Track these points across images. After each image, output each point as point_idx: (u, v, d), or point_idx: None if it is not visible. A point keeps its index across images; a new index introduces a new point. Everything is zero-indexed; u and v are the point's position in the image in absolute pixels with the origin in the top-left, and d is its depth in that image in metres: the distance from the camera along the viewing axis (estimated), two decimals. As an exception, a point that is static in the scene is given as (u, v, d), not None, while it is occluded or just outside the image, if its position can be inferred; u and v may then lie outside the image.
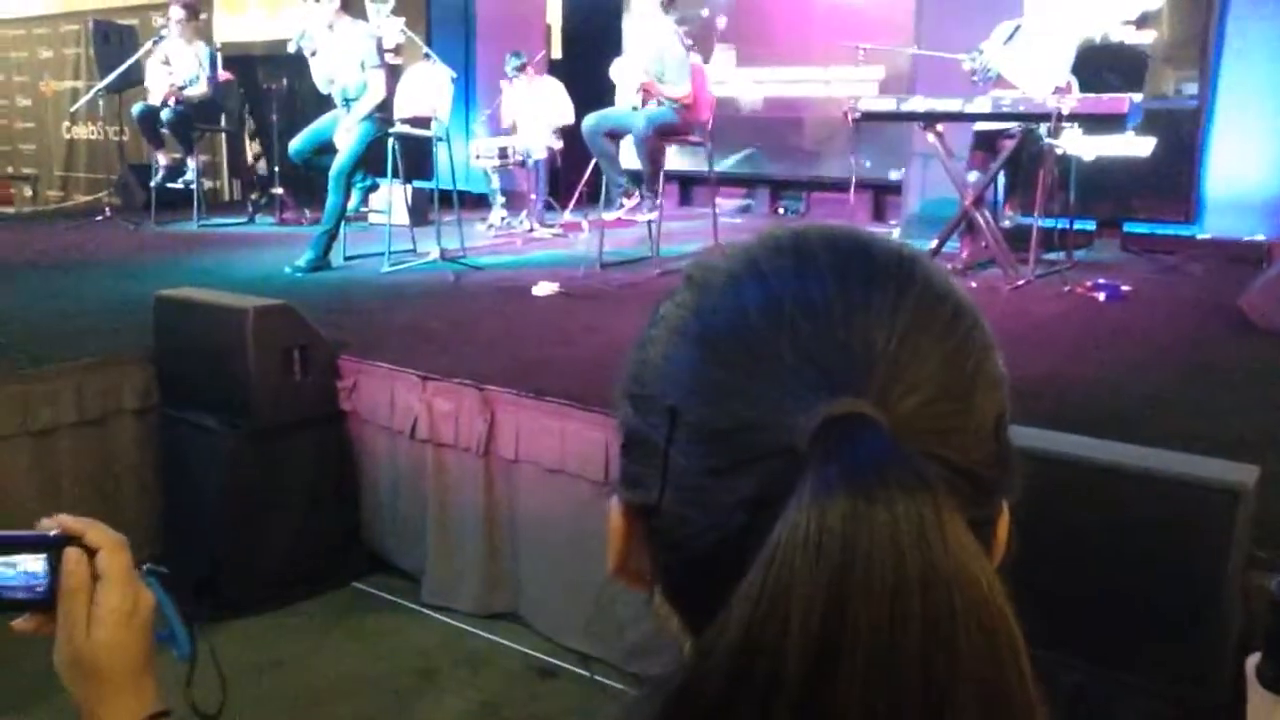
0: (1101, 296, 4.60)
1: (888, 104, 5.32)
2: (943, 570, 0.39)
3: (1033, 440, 1.92)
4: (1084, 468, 1.87)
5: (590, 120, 5.57)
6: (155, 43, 7.37)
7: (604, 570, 0.54)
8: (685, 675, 0.42)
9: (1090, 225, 6.05)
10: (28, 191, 11.14)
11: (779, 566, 0.39)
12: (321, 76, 5.50)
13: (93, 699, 0.82)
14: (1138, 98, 4.95)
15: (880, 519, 0.39)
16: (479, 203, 7.56)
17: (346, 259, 5.67)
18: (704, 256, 0.52)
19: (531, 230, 7.01)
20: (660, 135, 5.46)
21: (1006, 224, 5.51)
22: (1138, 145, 5.85)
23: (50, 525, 0.83)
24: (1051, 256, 5.39)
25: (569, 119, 7.13)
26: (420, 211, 6.57)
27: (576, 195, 7.52)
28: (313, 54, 5.45)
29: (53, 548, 0.81)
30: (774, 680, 0.39)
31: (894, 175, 7.23)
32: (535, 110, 7.25)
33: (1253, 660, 0.79)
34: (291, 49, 5.53)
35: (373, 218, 6.94)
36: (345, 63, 5.39)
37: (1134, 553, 1.80)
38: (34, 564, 0.81)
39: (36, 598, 0.81)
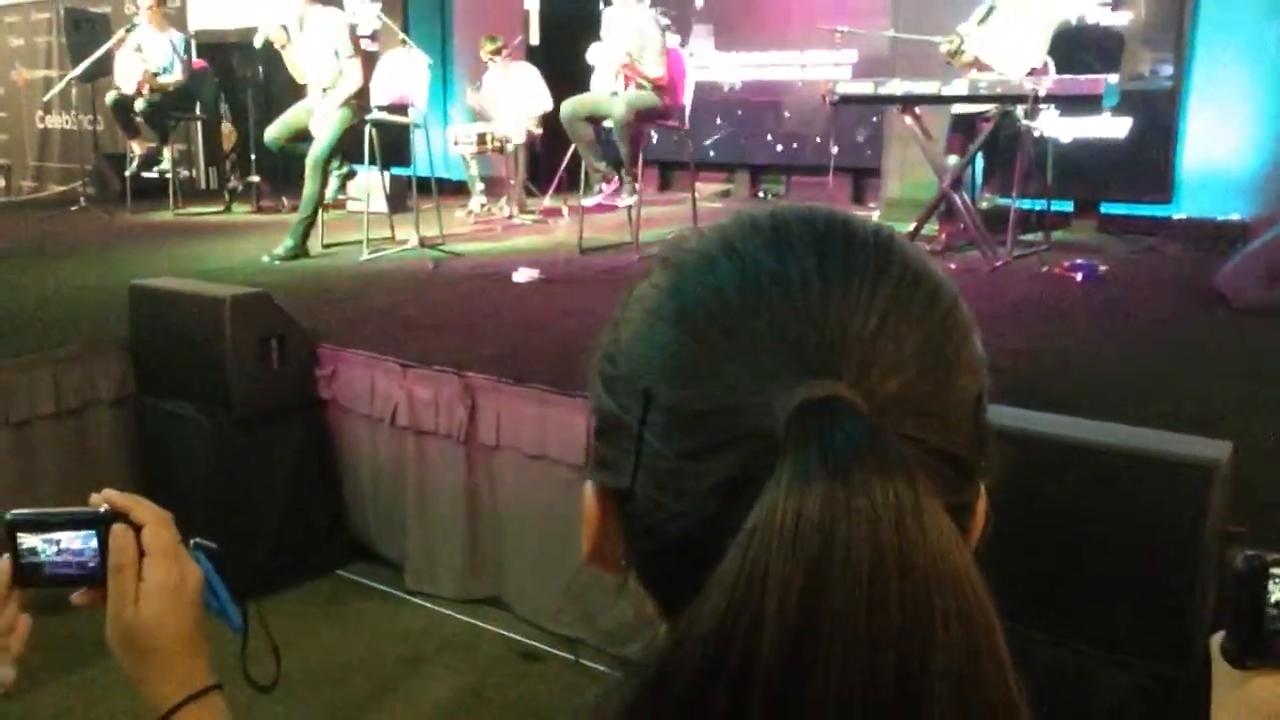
0: (1079, 277, 4.63)
1: (865, 87, 5.32)
2: (921, 558, 0.39)
3: (1008, 419, 1.93)
4: (1059, 446, 1.89)
5: (568, 105, 5.55)
6: (127, 31, 7.29)
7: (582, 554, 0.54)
8: (660, 661, 0.41)
9: (1068, 206, 6.08)
10: (1, 181, 11.01)
11: (755, 552, 0.39)
12: (296, 67, 5.46)
13: (144, 672, 0.84)
14: (1114, 79, 4.97)
15: (858, 505, 0.39)
16: (458, 189, 7.53)
17: (325, 247, 5.64)
18: (678, 238, 0.52)
19: (511, 216, 6.99)
20: (639, 119, 5.44)
21: (984, 206, 5.53)
22: (1114, 126, 5.88)
23: (99, 501, 0.84)
24: (1029, 238, 5.41)
25: (547, 105, 7.11)
26: (398, 198, 6.54)
27: (556, 181, 7.50)
28: (282, 48, 5.40)
29: (101, 524, 0.83)
30: (749, 667, 0.38)
31: (870, 157, 7.24)
32: (513, 96, 7.22)
33: (1217, 638, 0.80)
34: (258, 43, 5.49)
35: (350, 205, 6.90)
36: (319, 52, 5.35)
37: (1109, 530, 1.82)
38: (85, 540, 0.83)
39: (89, 573, 0.83)
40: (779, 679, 0.38)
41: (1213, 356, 3.35)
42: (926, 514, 0.40)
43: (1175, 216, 5.96)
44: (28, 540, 0.84)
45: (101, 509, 0.84)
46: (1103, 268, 4.77)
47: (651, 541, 0.47)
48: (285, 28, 5.36)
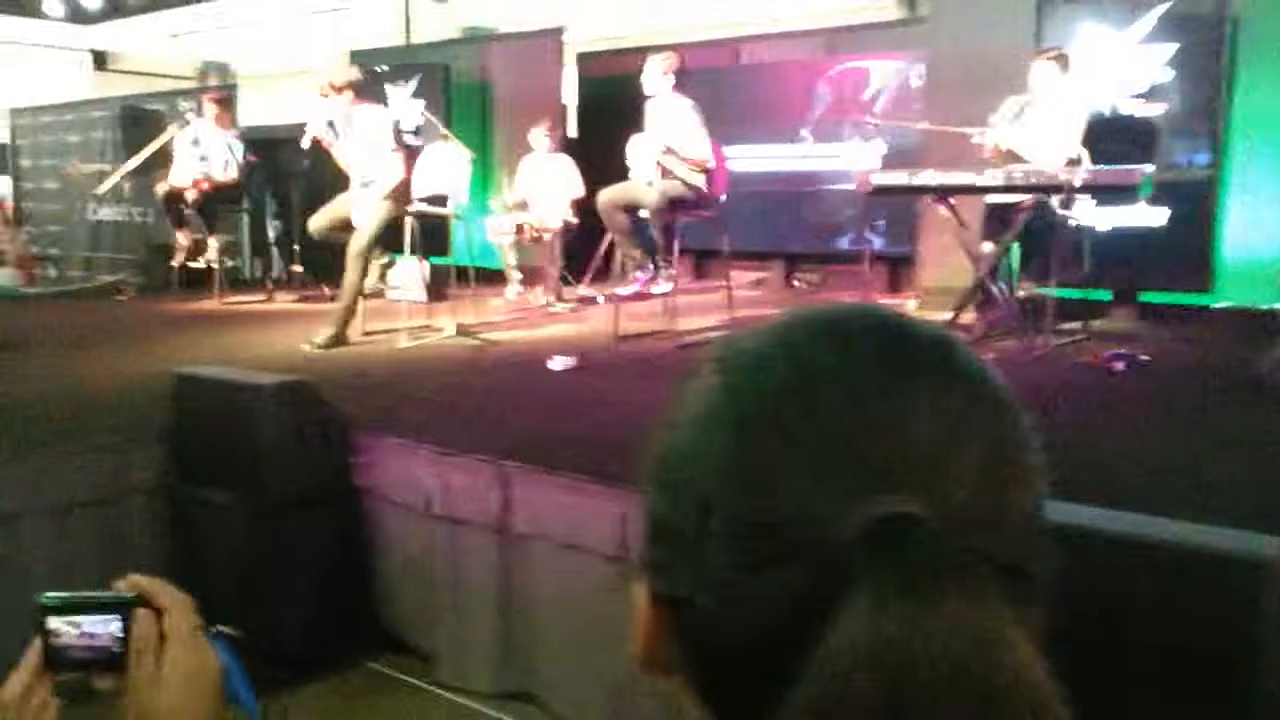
0: (1120, 366, 4.58)
1: (900, 177, 5.37)
2: (1003, 678, 0.38)
3: (1052, 513, 1.89)
4: (1104, 541, 1.84)
5: (605, 194, 5.65)
6: (182, 126, 7.55)
7: (622, 652, 0.52)
8: None
9: (1106, 295, 6.04)
10: (52, 272, 11.32)
11: (833, 676, 0.38)
12: (344, 161, 5.61)
13: None
14: (1149, 168, 4.98)
15: (939, 626, 0.38)
16: (495, 278, 7.63)
17: (364, 334, 5.72)
18: (731, 338, 0.51)
19: (547, 305, 7.06)
20: (674, 209, 5.52)
21: (1022, 294, 5.51)
22: (1152, 215, 5.87)
23: (123, 586, 0.85)
24: (1068, 326, 5.37)
25: (579, 192, 7.23)
26: (437, 287, 6.63)
27: (591, 269, 7.59)
28: (329, 146, 5.56)
29: (125, 609, 0.83)
30: None
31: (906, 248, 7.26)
32: (549, 186, 7.35)
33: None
34: (306, 144, 5.64)
35: (390, 294, 7.00)
36: (364, 146, 5.50)
37: (1157, 630, 1.75)
38: (110, 624, 0.83)
39: (113, 657, 0.83)
40: None
41: (1259, 448, 3.28)
42: (1006, 633, 0.39)
43: (1215, 305, 5.90)
44: (56, 624, 0.83)
45: (126, 594, 0.84)
46: (1143, 356, 4.71)
47: (709, 653, 0.46)
48: (332, 125, 5.52)
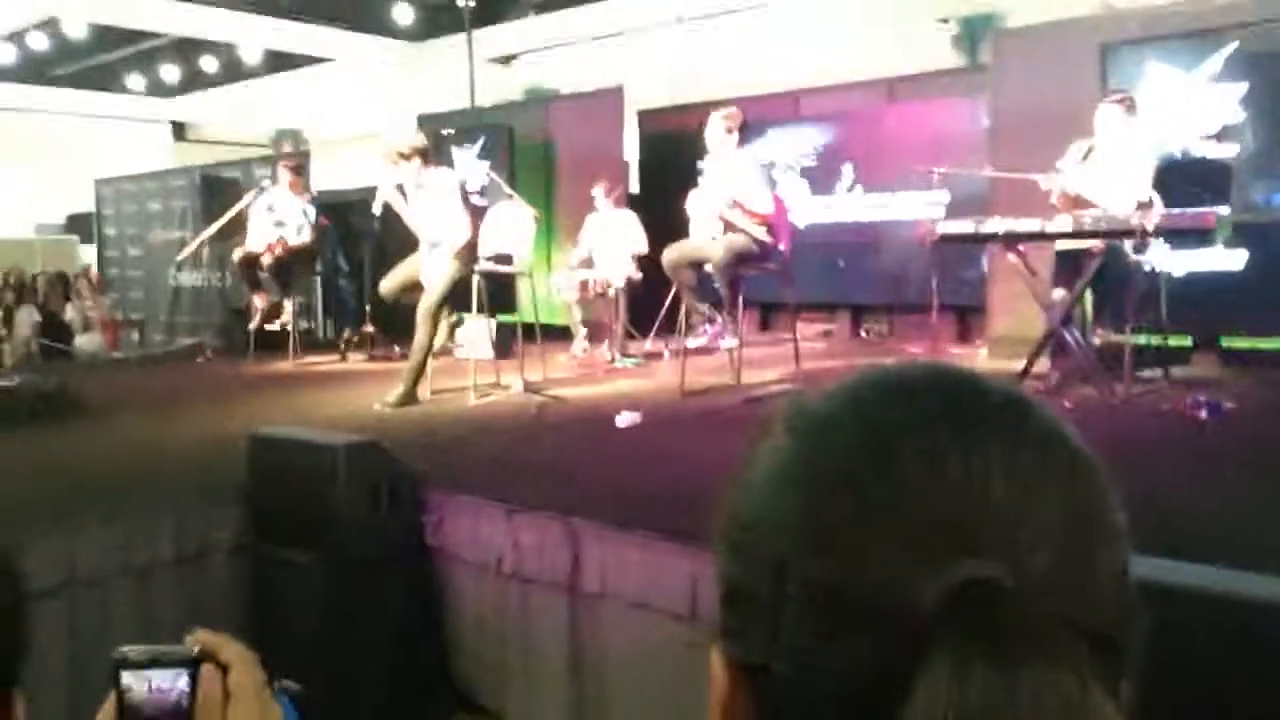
0: (1204, 414, 4.44)
1: (966, 226, 5.31)
2: None
3: (1139, 568, 1.83)
4: (1196, 598, 1.77)
5: (671, 251, 5.68)
6: (259, 193, 7.81)
7: (693, 714, 0.51)
8: None
9: (1186, 341, 5.89)
10: (134, 336, 11.70)
11: None
12: (413, 224, 5.73)
13: None
14: (1224, 210, 4.87)
15: (1024, 694, 0.37)
16: (561, 335, 7.70)
17: (433, 393, 5.79)
18: (800, 398, 0.50)
19: (613, 360, 7.09)
20: (739, 263, 5.53)
21: (1097, 342, 5.39)
22: (1230, 259, 5.73)
23: (192, 641, 0.85)
24: (1147, 374, 5.24)
25: (643, 247, 7.29)
26: (504, 345, 6.71)
27: (657, 324, 7.62)
28: (400, 210, 5.67)
29: (193, 664, 0.84)
30: None
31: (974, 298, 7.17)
32: (613, 242, 7.43)
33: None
34: (377, 210, 5.77)
35: (458, 352, 7.10)
36: (432, 209, 5.61)
37: (1256, 692, 1.68)
38: (177, 679, 0.84)
39: (179, 714, 0.84)
40: None
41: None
42: (1091, 703, 0.38)
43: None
44: (128, 679, 0.84)
45: (194, 649, 0.85)
46: (1228, 404, 4.56)
47: (787, 719, 0.45)
48: (401, 188, 5.65)
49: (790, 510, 0.45)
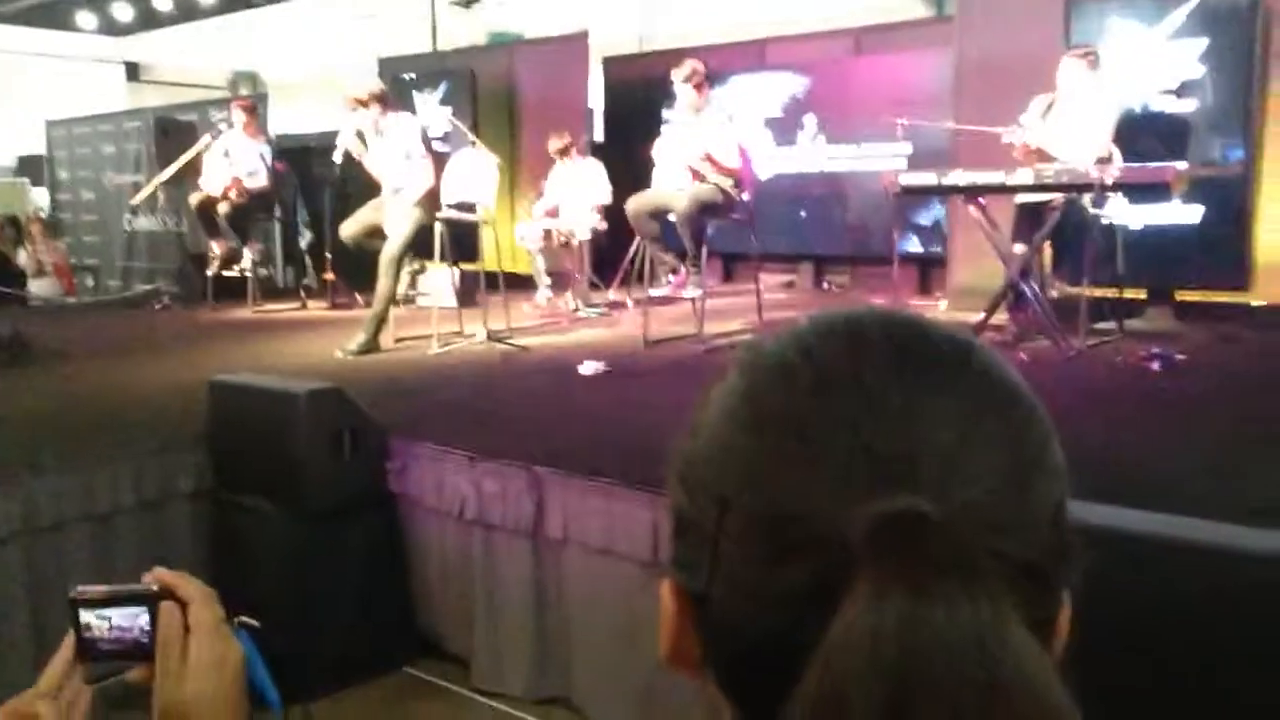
0: (1156, 366, 4.53)
1: (929, 178, 5.34)
2: (1004, 676, 0.38)
3: (1090, 515, 1.88)
4: (1144, 543, 1.82)
5: (634, 201, 5.66)
6: (215, 136, 7.65)
7: (655, 655, 0.53)
8: None
9: (1141, 294, 5.98)
10: (89, 282, 11.48)
11: (834, 670, 0.39)
12: (375, 171, 5.66)
13: None
14: (1182, 165, 4.93)
15: (939, 622, 0.38)
16: (525, 284, 7.67)
17: (396, 341, 5.76)
18: (754, 341, 0.52)
19: (576, 310, 7.08)
20: (703, 213, 5.52)
21: (1054, 294, 5.47)
22: (1185, 213, 5.80)
23: (150, 579, 0.87)
24: (1102, 326, 5.33)
25: (607, 198, 7.26)
26: (467, 294, 6.67)
27: (620, 274, 7.61)
28: (360, 156, 5.60)
29: (151, 600, 0.86)
30: None
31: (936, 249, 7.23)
32: (577, 192, 7.38)
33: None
34: (338, 158, 5.68)
35: (421, 300, 7.05)
36: (393, 154, 5.54)
37: (1200, 634, 1.74)
38: (137, 617, 0.86)
39: (141, 649, 0.86)
40: None
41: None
42: (1009, 631, 0.39)
43: (1253, 303, 5.82)
44: (87, 616, 0.86)
45: (152, 586, 0.86)
46: (1180, 356, 4.66)
47: (728, 646, 0.47)
48: (361, 135, 5.57)
49: (732, 446, 0.47)
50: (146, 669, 0.86)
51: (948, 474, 0.43)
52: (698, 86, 5.56)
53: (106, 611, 0.86)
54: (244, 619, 0.91)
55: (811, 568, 0.42)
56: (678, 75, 5.59)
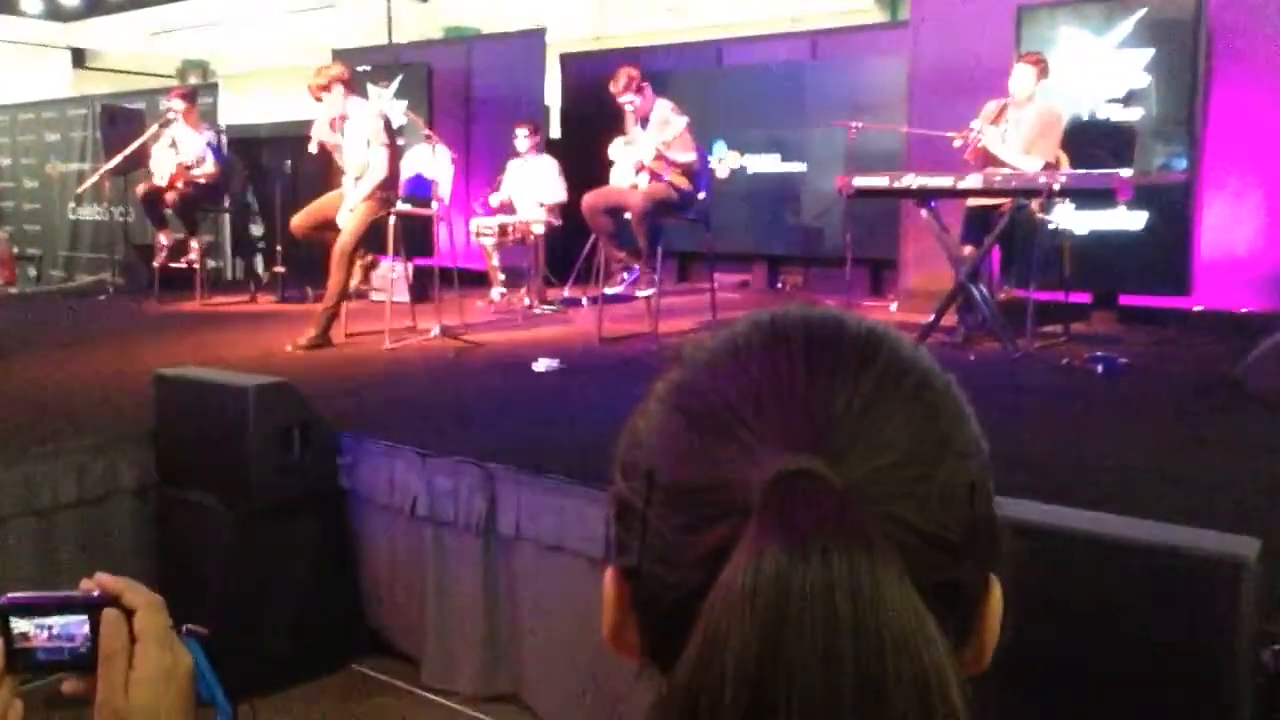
0: (1099, 369, 4.62)
1: (881, 181, 5.40)
2: (873, 623, 0.41)
3: (1030, 513, 1.92)
4: (1082, 541, 1.87)
5: (590, 197, 5.66)
6: (162, 126, 7.51)
7: (605, 652, 0.54)
8: (649, 716, 0.44)
9: (1087, 298, 6.10)
10: (32, 271, 11.23)
11: (718, 614, 0.42)
12: (342, 158, 5.58)
13: None
14: (1127, 173, 5.03)
15: (813, 571, 0.41)
16: (479, 280, 7.63)
17: (348, 336, 5.71)
18: (696, 338, 0.56)
19: (531, 306, 7.06)
20: (659, 212, 5.54)
21: (1002, 297, 5.56)
22: (1130, 219, 5.93)
23: (90, 586, 0.82)
24: (1048, 329, 5.42)
25: (562, 194, 7.25)
26: (421, 289, 6.62)
27: (575, 271, 7.60)
28: (335, 148, 5.53)
29: (93, 608, 0.80)
30: None
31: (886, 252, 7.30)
32: (533, 187, 7.36)
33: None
34: (313, 149, 5.60)
35: (374, 295, 6.99)
36: (354, 141, 5.47)
37: (1135, 629, 1.78)
38: (77, 625, 0.80)
39: (80, 659, 0.80)
40: None
41: (1236, 449, 3.32)
42: (883, 583, 0.41)
43: (1194, 308, 5.97)
44: (20, 625, 0.81)
45: (94, 593, 0.81)
46: (1122, 359, 4.76)
47: (653, 614, 0.50)
48: (333, 126, 5.49)
49: (662, 430, 0.51)
50: (85, 680, 0.81)
51: (849, 444, 0.46)
52: (638, 90, 5.58)
53: (42, 620, 0.80)
54: (192, 627, 0.86)
55: (722, 530, 0.45)
56: (615, 89, 5.59)
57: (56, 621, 0.80)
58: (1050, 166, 5.16)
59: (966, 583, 0.49)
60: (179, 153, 7.34)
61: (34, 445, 3.40)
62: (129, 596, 0.81)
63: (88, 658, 0.80)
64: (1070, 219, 5.33)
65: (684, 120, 5.63)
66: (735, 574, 0.42)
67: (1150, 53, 6.03)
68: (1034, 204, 4.98)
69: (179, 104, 7.42)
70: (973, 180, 5.04)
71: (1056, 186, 4.78)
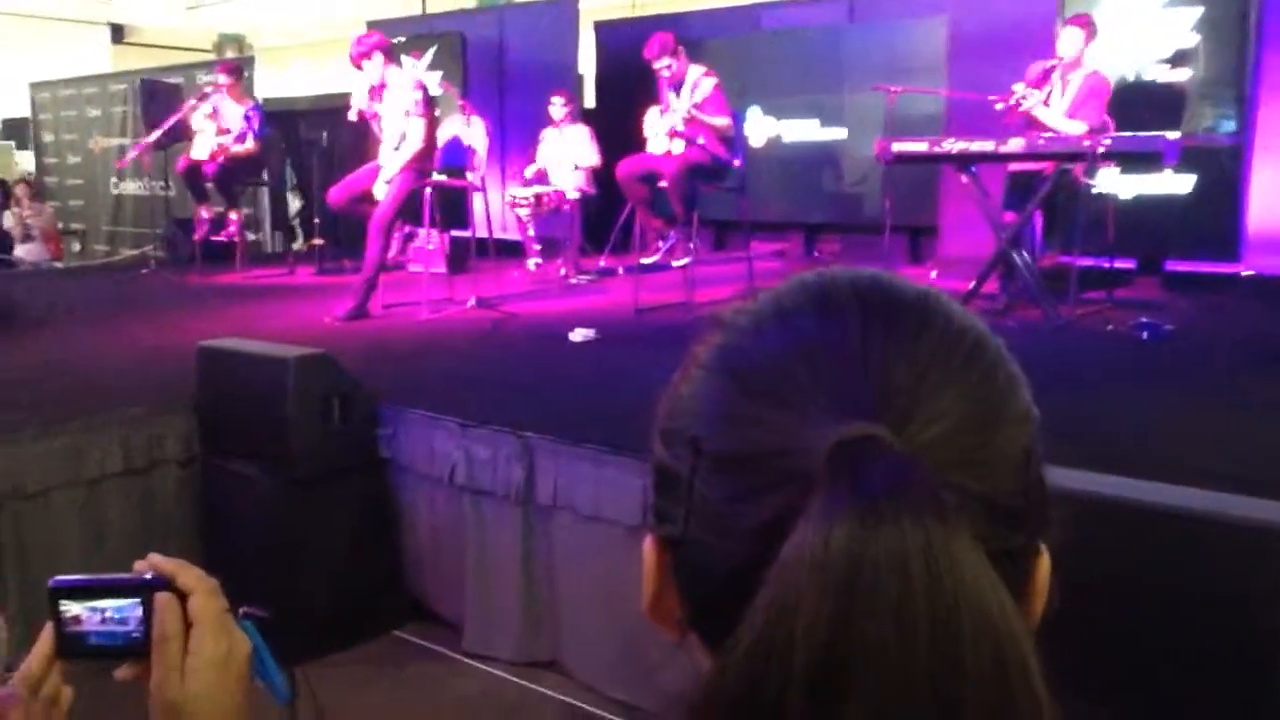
0: (1144, 335, 4.54)
1: (920, 146, 5.32)
2: (949, 590, 0.39)
3: (1075, 481, 1.89)
4: (1128, 509, 1.84)
5: (625, 165, 5.63)
6: (201, 99, 7.57)
7: (644, 621, 0.53)
8: (702, 689, 0.43)
9: (1131, 264, 5.99)
10: (76, 246, 11.40)
11: (786, 582, 0.40)
12: (380, 127, 5.59)
13: None
14: (1175, 135, 4.91)
15: (886, 538, 0.40)
16: (515, 250, 7.64)
17: (385, 307, 5.74)
18: (738, 303, 0.54)
19: (567, 276, 7.06)
20: (693, 177, 5.50)
21: (1045, 264, 5.47)
22: (1177, 183, 5.80)
23: (144, 568, 0.79)
24: (1092, 296, 5.33)
25: (596, 162, 7.21)
26: (457, 259, 6.64)
27: (611, 241, 7.58)
28: (375, 115, 5.53)
29: (146, 592, 0.77)
30: (784, 692, 0.39)
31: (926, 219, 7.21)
32: (567, 156, 7.34)
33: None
34: (353, 116, 5.61)
35: (411, 266, 7.02)
36: (395, 111, 5.46)
37: (1184, 598, 1.76)
38: (130, 609, 0.78)
39: (133, 644, 0.78)
40: (811, 705, 0.39)
41: (1287, 417, 3.26)
42: (956, 549, 0.40)
43: (1242, 273, 5.84)
44: (71, 608, 0.78)
45: (147, 575, 0.78)
46: (1168, 326, 4.67)
47: (701, 585, 0.48)
48: (373, 91, 5.49)
49: (708, 397, 0.49)
50: (138, 667, 0.78)
51: (909, 410, 0.45)
52: (674, 54, 5.53)
53: (94, 603, 0.77)
54: (250, 609, 0.83)
55: (779, 499, 0.44)
56: (649, 55, 5.56)
57: (109, 605, 0.78)
58: (1095, 130, 5.05)
59: (1021, 550, 0.48)
60: (219, 125, 7.39)
61: (80, 416, 3.46)
62: (184, 579, 0.79)
63: (141, 643, 0.77)
64: (1115, 183, 5.23)
65: (714, 81, 5.58)
66: (803, 543, 0.41)
67: (1199, 11, 5.88)
68: (1077, 168, 4.88)
69: (223, 78, 7.47)
70: (1015, 145, 4.94)
71: (1101, 150, 4.68)
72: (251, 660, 0.81)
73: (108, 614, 0.78)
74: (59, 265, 10.10)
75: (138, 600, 0.77)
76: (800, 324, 0.49)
